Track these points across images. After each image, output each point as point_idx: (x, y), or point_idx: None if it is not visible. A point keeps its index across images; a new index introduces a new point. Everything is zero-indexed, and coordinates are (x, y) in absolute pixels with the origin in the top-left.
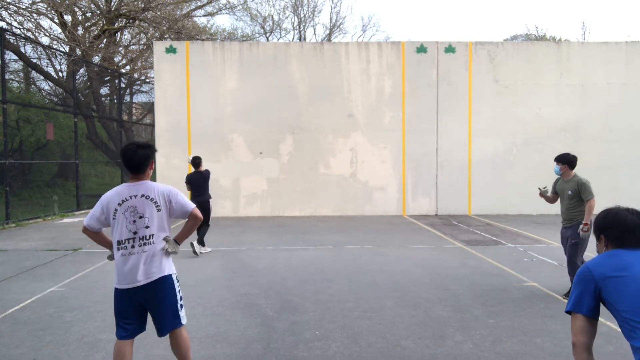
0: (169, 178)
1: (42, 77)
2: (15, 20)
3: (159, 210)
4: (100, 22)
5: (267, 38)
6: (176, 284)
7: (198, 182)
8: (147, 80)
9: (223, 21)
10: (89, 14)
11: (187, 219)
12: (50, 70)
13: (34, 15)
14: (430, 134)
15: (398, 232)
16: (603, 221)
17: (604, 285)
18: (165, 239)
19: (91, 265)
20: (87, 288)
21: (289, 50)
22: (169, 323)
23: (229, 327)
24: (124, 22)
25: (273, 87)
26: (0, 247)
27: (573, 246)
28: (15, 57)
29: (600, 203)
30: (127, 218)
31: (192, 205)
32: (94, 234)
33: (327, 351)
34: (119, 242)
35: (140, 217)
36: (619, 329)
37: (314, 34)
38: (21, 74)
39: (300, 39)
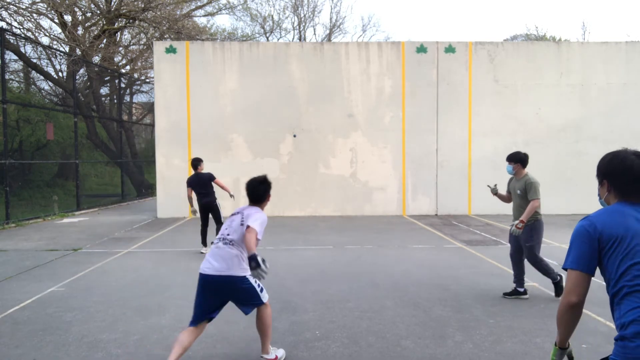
0: (169, 178)
1: (42, 77)
2: (15, 20)
3: (242, 224)
4: (100, 22)
5: (267, 38)
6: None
7: (198, 184)
8: (147, 80)
9: (223, 21)
10: (89, 14)
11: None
12: (50, 70)
13: (34, 15)
14: (430, 134)
15: (398, 232)
16: (607, 166)
17: (605, 245)
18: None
19: (91, 265)
20: (87, 288)
21: (289, 50)
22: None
23: (229, 327)
24: (124, 22)
25: (273, 87)
26: (0, 247)
27: (530, 249)
28: (15, 57)
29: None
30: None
31: (251, 226)
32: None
33: (327, 351)
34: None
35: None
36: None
37: (314, 34)
38: (21, 74)
39: (300, 39)
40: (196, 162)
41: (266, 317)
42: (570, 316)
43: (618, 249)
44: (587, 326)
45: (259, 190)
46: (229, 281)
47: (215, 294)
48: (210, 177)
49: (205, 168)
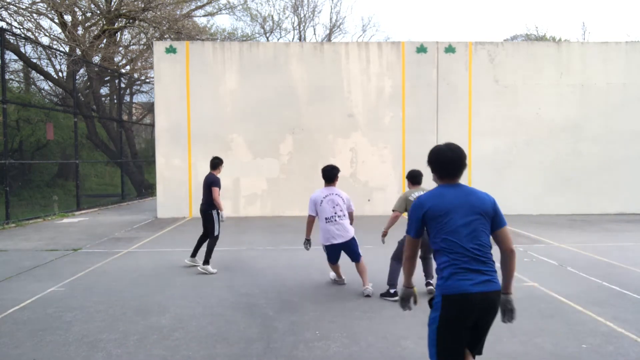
0: (169, 178)
1: (42, 77)
2: (15, 20)
3: (343, 201)
4: (100, 22)
5: (267, 38)
6: (355, 239)
7: (203, 187)
8: (147, 80)
9: (223, 21)
10: (89, 14)
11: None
12: (50, 70)
13: (34, 15)
14: (430, 134)
15: (398, 232)
16: (429, 156)
17: (428, 217)
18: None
19: (91, 265)
20: (87, 288)
21: (289, 50)
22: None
23: (229, 327)
24: (124, 22)
25: (273, 87)
26: (0, 247)
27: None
28: (15, 57)
29: (600, 203)
30: (329, 205)
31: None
32: (312, 220)
33: (327, 351)
34: (326, 219)
35: (337, 205)
36: (619, 329)
37: (314, 34)
38: (21, 74)
39: (300, 39)
40: (215, 162)
41: (363, 265)
42: (409, 265)
43: (437, 221)
44: (587, 326)
45: (334, 172)
46: (350, 242)
47: (339, 251)
48: (209, 183)
49: (206, 168)
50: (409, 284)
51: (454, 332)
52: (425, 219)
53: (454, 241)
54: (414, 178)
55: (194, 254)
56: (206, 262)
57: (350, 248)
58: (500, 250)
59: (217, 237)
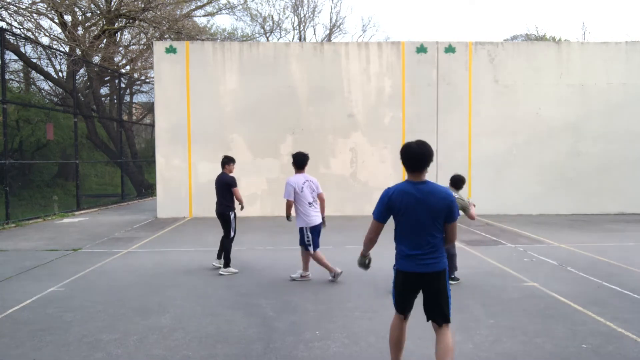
0: (169, 178)
1: (42, 77)
2: (15, 20)
3: (316, 187)
4: (100, 22)
5: (267, 38)
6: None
7: (217, 187)
8: (147, 80)
9: (223, 21)
10: (89, 14)
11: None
12: (50, 70)
13: (34, 15)
14: (430, 134)
15: None
16: (400, 152)
17: (392, 208)
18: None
19: (91, 265)
20: (87, 288)
21: (289, 50)
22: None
23: (229, 327)
24: (124, 22)
25: (273, 87)
26: (0, 247)
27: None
28: (15, 57)
29: (600, 203)
30: (308, 190)
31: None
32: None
33: (327, 351)
34: (309, 203)
35: (313, 191)
36: (619, 329)
37: (314, 34)
38: (21, 74)
39: (300, 39)
40: (222, 161)
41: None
42: (370, 242)
43: (398, 213)
44: (587, 326)
45: (306, 159)
46: (321, 223)
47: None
48: (225, 184)
49: (206, 168)
50: (366, 253)
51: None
52: (389, 208)
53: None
54: (456, 182)
55: (219, 256)
56: (226, 265)
57: (319, 230)
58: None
59: (232, 239)
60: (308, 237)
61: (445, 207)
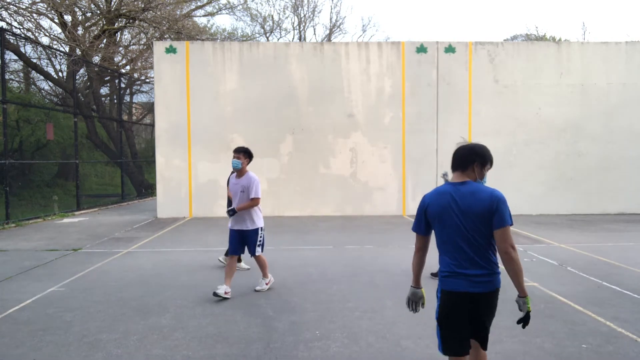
0: (169, 178)
1: (42, 77)
2: (15, 20)
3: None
4: (100, 22)
5: (267, 38)
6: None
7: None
8: (147, 80)
9: (223, 21)
10: (89, 14)
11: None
12: (50, 70)
13: (34, 15)
14: (430, 134)
15: (398, 232)
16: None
17: (429, 213)
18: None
19: (91, 265)
20: (87, 288)
21: (289, 50)
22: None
23: (229, 327)
24: (124, 22)
25: (273, 87)
26: (0, 247)
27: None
28: (15, 57)
29: (600, 203)
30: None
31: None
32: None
33: (327, 351)
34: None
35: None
36: (619, 329)
37: (314, 34)
38: (21, 74)
39: (300, 39)
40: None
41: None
42: (415, 265)
43: (435, 219)
44: (587, 326)
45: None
46: None
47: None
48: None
49: (206, 168)
50: (416, 283)
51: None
52: (427, 214)
53: (449, 242)
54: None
55: (227, 253)
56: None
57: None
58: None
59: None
60: (262, 237)
61: (490, 210)
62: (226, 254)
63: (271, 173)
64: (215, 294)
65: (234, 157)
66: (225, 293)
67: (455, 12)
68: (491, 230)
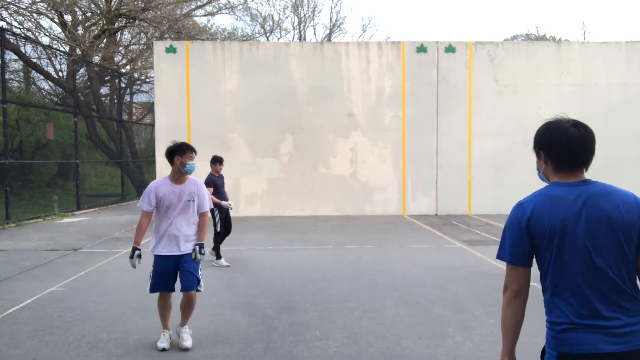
0: None
1: (42, 77)
2: (15, 20)
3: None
4: (100, 22)
5: (267, 38)
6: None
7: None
8: (147, 80)
9: (223, 21)
10: (89, 14)
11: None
12: (50, 70)
13: (34, 15)
14: (430, 134)
15: (398, 232)
16: (543, 136)
17: (535, 233)
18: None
19: (91, 265)
20: (87, 288)
21: (289, 50)
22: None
23: (229, 327)
24: (124, 22)
25: (273, 87)
26: (0, 247)
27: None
28: (15, 57)
29: None
30: None
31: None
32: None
33: (327, 351)
34: None
35: None
36: None
37: (314, 33)
38: (21, 74)
39: (300, 39)
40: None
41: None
42: (508, 325)
43: (547, 239)
44: None
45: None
46: None
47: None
48: (206, 183)
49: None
50: (509, 354)
51: None
52: (529, 234)
53: (569, 274)
54: None
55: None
56: (218, 257)
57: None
58: None
59: (218, 233)
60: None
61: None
62: (218, 258)
63: (271, 173)
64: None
65: (193, 159)
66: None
67: (455, 12)
68: (636, 255)
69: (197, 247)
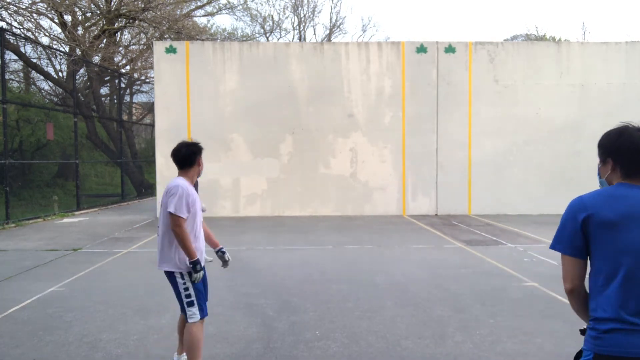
0: (168, 178)
1: (42, 77)
2: (15, 20)
3: (162, 205)
4: (100, 22)
5: (267, 38)
6: (180, 282)
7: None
8: (147, 80)
9: (223, 21)
10: (89, 14)
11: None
12: (50, 70)
13: (34, 15)
14: (430, 134)
15: (398, 232)
16: (614, 143)
17: (593, 224)
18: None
19: (91, 265)
20: (87, 288)
21: (289, 50)
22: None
23: (229, 327)
24: (124, 22)
25: (273, 87)
26: (0, 247)
27: None
28: (15, 57)
29: None
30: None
31: (172, 210)
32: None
33: (327, 351)
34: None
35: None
36: None
37: (314, 34)
38: (21, 74)
39: (300, 39)
40: None
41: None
42: (577, 305)
43: (605, 231)
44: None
45: (181, 153)
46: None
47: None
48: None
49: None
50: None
51: None
52: (588, 227)
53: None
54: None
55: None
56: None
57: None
58: None
59: None
60: (187, 289)
61: None
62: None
63: (271, 173)
64: None
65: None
66: None
67: (455, 12)
68: None
69: (224, 252)
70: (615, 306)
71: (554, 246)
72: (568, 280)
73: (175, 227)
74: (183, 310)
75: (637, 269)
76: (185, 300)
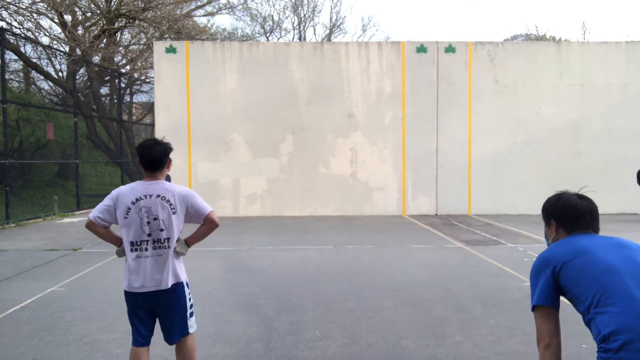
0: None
1: (42, 77)
2: (15, 20)
3: (174, 213)
4: (100, 22)
5: (267, 38)
6: (187, 291)
7: None
8: (147, 80)
9: (223, 21)
10: (89, 14)
11: (202, 223)
12: (50, 70)
13: (34, 15)
14: (430, 134)
15: (398, 232)
16: (554, 207)
17: (562, 270)
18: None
19: (91, 265)
20: (87, 288)
21: (289, 50)
22: (177, 331)
23: (229, 327)
24: (124, 22)
25: (273, 87)
26: (0, 247)
27: None
28: (15, 57)
29: (600, 203)
30: (142, 218)
31: (208, 209)
32: (103, 230)
33: (327, 351)
34: (132, 243)
35: (155, 219)
36: None
37: (314, 33)
38: (21, 74)
39: (300, 39)
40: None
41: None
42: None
43: (576, 269)
44: None
45: (158, 152)
46: (168, 293)
47: (146, 310)
48: None
49: (206, 168)
50: None
51: None
52: (560, 274)
53: (615, 283)
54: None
55: None
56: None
57: (169, 307)
58: None
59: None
60: (190, 299)
61: None
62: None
63: (271, 173)
64: None
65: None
66: None
67: (455, 12)
68: None
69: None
70: (617, 321)
71: (537, 302)
72: (547, 337)
73: (217, 222)
74: (181, 327)
75: (619, 283)
76: (189, 310)
